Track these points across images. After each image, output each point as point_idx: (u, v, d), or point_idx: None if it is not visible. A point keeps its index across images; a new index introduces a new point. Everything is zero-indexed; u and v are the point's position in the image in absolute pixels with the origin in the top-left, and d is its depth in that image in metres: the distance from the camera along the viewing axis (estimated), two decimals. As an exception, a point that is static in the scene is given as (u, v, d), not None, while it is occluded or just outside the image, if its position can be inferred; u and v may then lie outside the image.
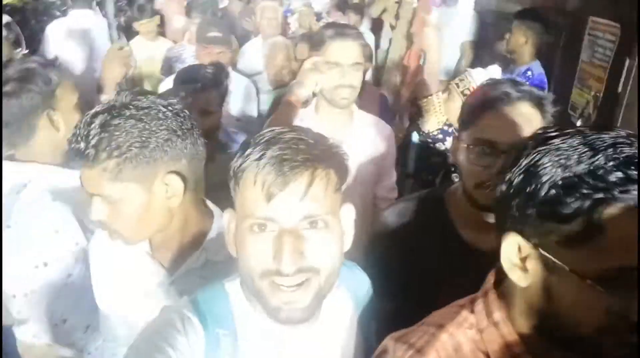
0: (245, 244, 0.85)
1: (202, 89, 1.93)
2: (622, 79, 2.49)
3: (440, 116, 2.25)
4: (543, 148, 0.73)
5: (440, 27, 4.18)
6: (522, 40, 3.24)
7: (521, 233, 0.75)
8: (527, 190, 0.72)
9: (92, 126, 1.01)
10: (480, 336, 0.82)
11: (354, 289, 1.07)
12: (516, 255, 0.76)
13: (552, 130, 0.76)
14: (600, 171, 0.66)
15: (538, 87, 1.94)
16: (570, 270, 0.69)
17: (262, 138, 0.86)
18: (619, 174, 0.66)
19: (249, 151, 0.84)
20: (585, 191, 0.67)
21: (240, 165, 0.85)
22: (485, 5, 4.55)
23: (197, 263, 1.17)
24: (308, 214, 0.83)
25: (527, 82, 1.72)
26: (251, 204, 0.84)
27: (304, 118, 1.89)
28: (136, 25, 3.76)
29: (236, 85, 2.92)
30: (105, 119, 1.01)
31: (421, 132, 2.35)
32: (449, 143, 2.20)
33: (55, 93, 1.53)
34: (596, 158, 0.67)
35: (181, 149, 1.08)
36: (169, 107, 1.08)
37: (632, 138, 0.69)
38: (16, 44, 3.71)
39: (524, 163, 0.74)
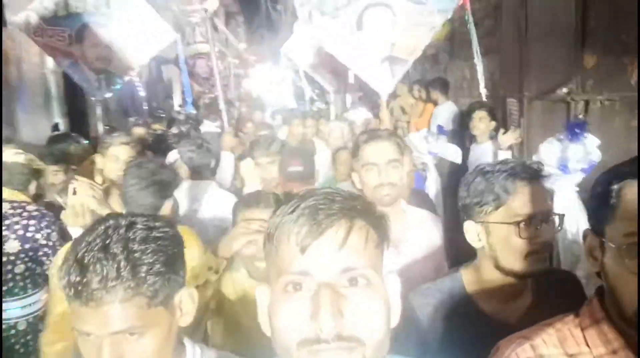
0: (279, 309, 0.77)
1: None
2: (522, 126, 4.80)
3: None
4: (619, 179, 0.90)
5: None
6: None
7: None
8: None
9: (118, 257, 0.95)
10: (582, 333, 0.95)
11: None
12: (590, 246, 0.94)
13: None
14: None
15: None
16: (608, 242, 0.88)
17: (295, 195, 0.82)
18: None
19: (281, 208, 0.80)
20: None
21: (275, 224, 0.80)
22: (461, 104, 6.94)
23: None
24: (347, 267, 0.75)
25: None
26: (285, 260, 0.77)
27: None
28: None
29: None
30: (124, 246, 0.97)
31: None
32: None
33: None
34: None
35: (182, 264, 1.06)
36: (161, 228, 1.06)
37: None
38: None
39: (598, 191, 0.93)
